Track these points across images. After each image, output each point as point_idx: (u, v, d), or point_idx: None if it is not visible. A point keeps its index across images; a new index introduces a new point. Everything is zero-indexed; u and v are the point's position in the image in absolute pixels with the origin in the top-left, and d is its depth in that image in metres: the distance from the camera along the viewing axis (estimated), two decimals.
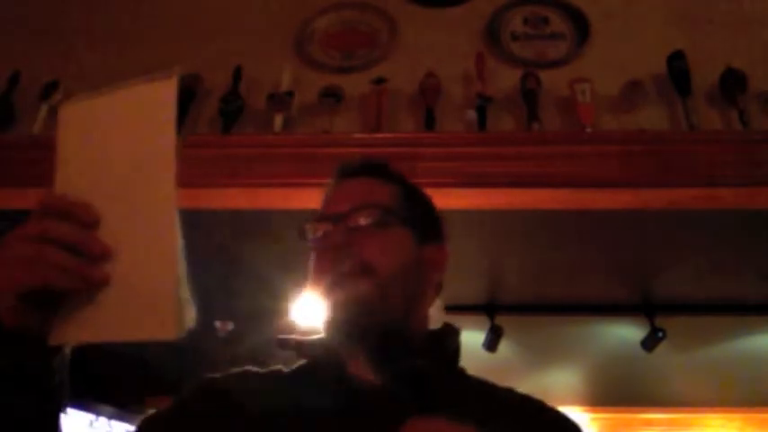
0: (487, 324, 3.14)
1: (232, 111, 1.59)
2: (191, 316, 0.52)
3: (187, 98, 1.63)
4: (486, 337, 3.17)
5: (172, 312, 0.50)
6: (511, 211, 1.62)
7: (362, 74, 1.65)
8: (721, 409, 4.17)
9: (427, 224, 0.86)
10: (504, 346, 3.24)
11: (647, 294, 3.03)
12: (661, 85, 1.56)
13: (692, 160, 1.44)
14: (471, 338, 3.31)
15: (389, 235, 0.80)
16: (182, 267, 0.50)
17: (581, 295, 3.04)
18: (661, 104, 1.55)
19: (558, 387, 4.08)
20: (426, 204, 0.90)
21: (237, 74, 1.65)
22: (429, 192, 1.46)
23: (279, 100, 1.58)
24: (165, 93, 0.51)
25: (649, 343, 3.15)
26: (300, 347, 0.81)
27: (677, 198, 1.49)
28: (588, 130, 1.49)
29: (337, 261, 0.76)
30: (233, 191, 1.52)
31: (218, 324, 3.15)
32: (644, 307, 3.09)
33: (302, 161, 1.47)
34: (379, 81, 1.59)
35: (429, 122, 1.53)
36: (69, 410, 3.71)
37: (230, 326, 3.16)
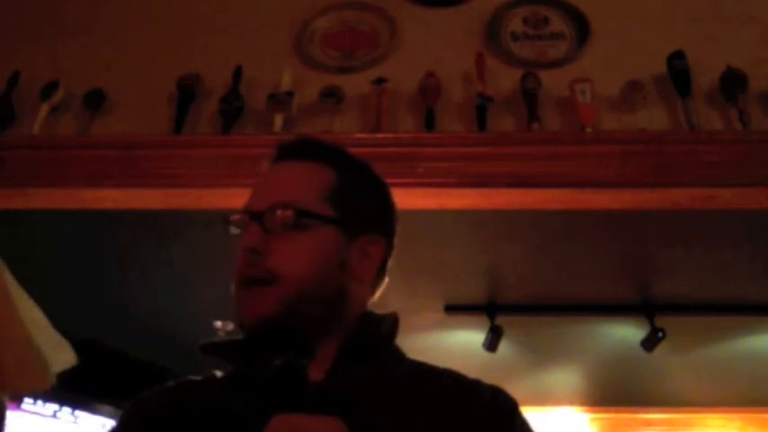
0: (487, 324, 3.14)
1: (232, 111, 1.59)
2: (64, 358, 0.56)
3: (187, 98, 1.63)
4: (486, 337, 3.17)
5: (31, 365, 0.54)
6: (511, 211, 1.62)
7: (362, 74, 1.64)
8: (721, 409, 4.18)
9: (364, 214, 0.81)
10: (504, 346, 3.25)
11: (647, 294, 3.04)
12: (661, 85, 1.56)
13: (692, 160, 1.44)
14: (471, 338, 3.32)
15: (305, 238, 0.76)
16: (33, 323, 0.53)
17: (581, 295, 3.04)
18: (661, 104, 1.55)
19: (559, 387, 4.09)
20: (368, 191, 0.85)
21: (237, 74, 1.65)
22: (429, 192, 1.46)
23: (279, 100, 1.58)
24: None
25: (649, 343, 3.15)
26: (222, 350, 0.80)
27: (677, 198, 1.49)
28: (588, 130, 1.49)
29: (247, 265, 0.75)
30: (233, 191, 1.52)
31: (218, 324, 3.15)
32: (644, 307, 3.09)
33: None
34: (379, 81, 1.59)
35: (429, 122, 1.53)
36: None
37: (230, 326, 3.16)
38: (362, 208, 0.82)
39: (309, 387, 0.62)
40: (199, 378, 0.81)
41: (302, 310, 0.73)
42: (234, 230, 0.81)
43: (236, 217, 0.80)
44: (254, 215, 0.77)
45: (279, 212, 0.75)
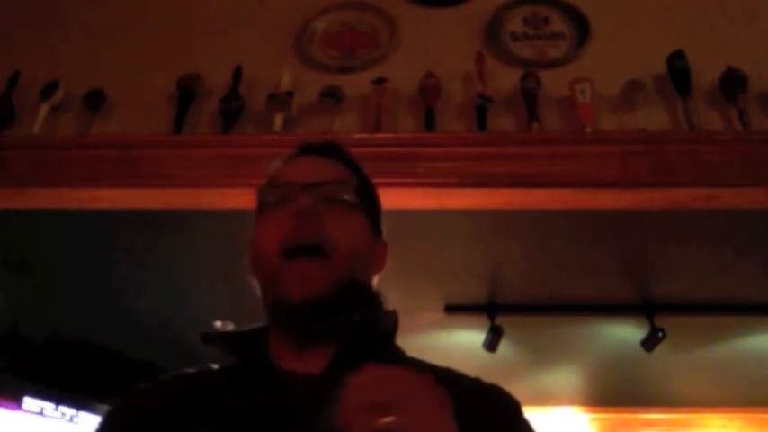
0: (487, 324, 3.14)
1: (232, 111, 1.59)
2: None
3: (187, 98, 1.63)
4: (486, 337, 3.17)
5: None
6: (511, 211, 1.61)
7: (362, 74, 1.64)
8: (721, 409, 4.18)
9: (378, 220, 0.84)
10: (504, 346, 3.25)
11: (647, 294, 3.04)
12: (661, 85, 1.56)
13: (692, 160, 1.44)
14: (471, 338, 3.32)
15: (354, 217, 0.77)
16: None
17: (581, 295, 3.04)
18: (661, 104, 1.55)
19: (559, 387, 4.09)
20: (378, 200, 0.87)
21: (237, 74, 1.65)
22: (429, 192, 1.46)
23: (279, 100, 1.58)
24: None
25: (649, 343, 3.16)
26: (224, 341, 0.79)
27: (677, 198, 1.49)
28: (588, 130, 1.49)
29: (299, 228, 0.71)
30: (233, 191, 1.52)
31: (218, 324, 3.15)
32: (644, 307, 3.09)
33: None
34: (379, 81, 1.59)
35: (429, 122, 1.53)
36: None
37: (230, 326, 3.16)
38: (377, 213, 0.84)
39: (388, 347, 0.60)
40: (194, 371, 0.79)
41: (356, 276, 0.72)
42: (269, 198, 0.78)
43: (270, 189, 0.79)
44: (306, 185, 0.75)
45: (340, 186, 0.76)
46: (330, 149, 0.84)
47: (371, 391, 0.50)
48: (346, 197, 0.76)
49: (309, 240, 0.71)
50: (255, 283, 0.81)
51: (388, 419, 0.47)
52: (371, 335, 0.61)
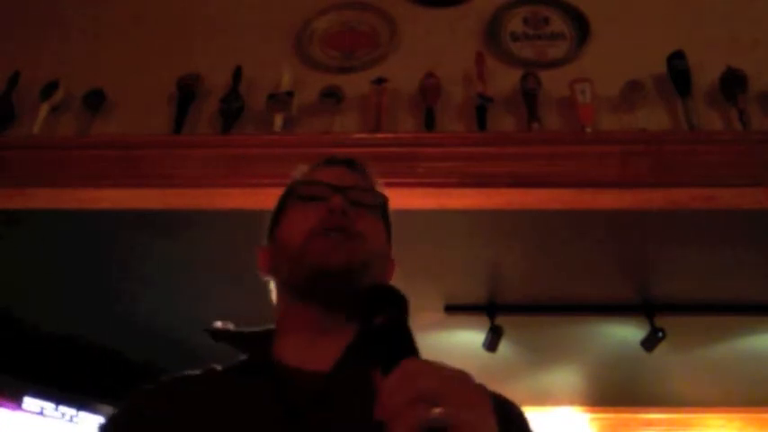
0: (487, 324, 3.14)
1: (232, 111, 1.59)
2: None
3: (187, 98, 1.63)
4: (486, 337, 3.17)
5: None
6: (511, 211, 1.61)
7: (362, 74, 1.64)
8: (721, 409, 4.19)
9: (390, 232, 0.90)
10: (504, 346, 3.25)
11: (647, 294, 3.04)
12: (661, 85, 1.56)
13: (692, 160, 1.43)
14: (471, 338, 3.32)
15: (377, 222, 0.84)
16: None
17: (581, 295, 3.04)
18: (661, 104, 1.55)
19: (559, 387, 4.09)
20: (389, 216, 0.92)
21: (237, 74, 1.65)
22: (429, 192, 1.46)
23: (279, 100, 1.58)
24: None
25: (649, 343, 3.16)
26: (232, 338, 0.80)
27: (677, 198, 1.49)
28: (588, 130, 1.49)
29: (331, 222, 0.77)
30: (233, 191, 1.52)
31: (218, 324, 3.15)
32: (644, 307, 3.09)
33: (302, 161, 1.47)
34: (379, 81, 1.59)
35: (429, 122, 1.53)
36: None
37: (230, 326, 3.16)
38: (390, 226, 0.90)
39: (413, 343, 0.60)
40: (196, 372, 0.79)
41: (367, 278, 0.76)
42: (303, 194, 0.83)
43: (305, 186, 0.85)
44: (338, 188, 0.81)
45: (369, 192, 0.84)
46: (353, 162, 0.90)
47: (416, 383, 0.49)
48: (371, 203, 0.83)
49: (342, 230, 0.77)
50: (268, 278, 0.85)
51: (436, 411, 0.46)
52: (394, 335, 0.60)
